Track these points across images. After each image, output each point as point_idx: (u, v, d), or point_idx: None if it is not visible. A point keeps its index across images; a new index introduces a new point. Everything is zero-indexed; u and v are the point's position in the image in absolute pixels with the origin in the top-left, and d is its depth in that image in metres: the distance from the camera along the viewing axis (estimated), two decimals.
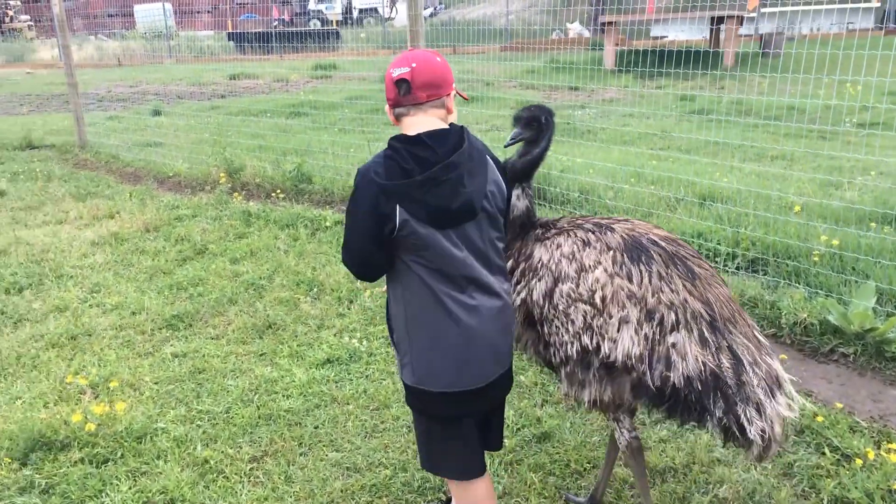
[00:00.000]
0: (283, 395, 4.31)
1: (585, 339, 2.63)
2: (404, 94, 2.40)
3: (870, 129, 8.24)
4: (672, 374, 2.49)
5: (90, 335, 5.19)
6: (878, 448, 3.49)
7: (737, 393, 2.47)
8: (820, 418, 3.66)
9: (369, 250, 2.40)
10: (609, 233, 2.75)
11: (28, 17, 37.22)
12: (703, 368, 2.48)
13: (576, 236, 2.78)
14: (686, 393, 2.49)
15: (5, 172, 10.17)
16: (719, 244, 5.57)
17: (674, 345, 2.52)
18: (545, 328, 2.78)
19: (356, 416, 4.06)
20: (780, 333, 4.63)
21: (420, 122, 2.41)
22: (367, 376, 4.49)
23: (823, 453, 3.48)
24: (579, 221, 2.86)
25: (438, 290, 2.40)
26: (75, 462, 3.70)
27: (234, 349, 4.90)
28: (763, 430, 2.45)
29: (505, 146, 2.76)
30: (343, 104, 13.40)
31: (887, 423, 3.70)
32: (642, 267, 2.61)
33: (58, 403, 4.27)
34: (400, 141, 2.39)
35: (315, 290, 5.74)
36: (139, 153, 10.97)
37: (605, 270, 2.64)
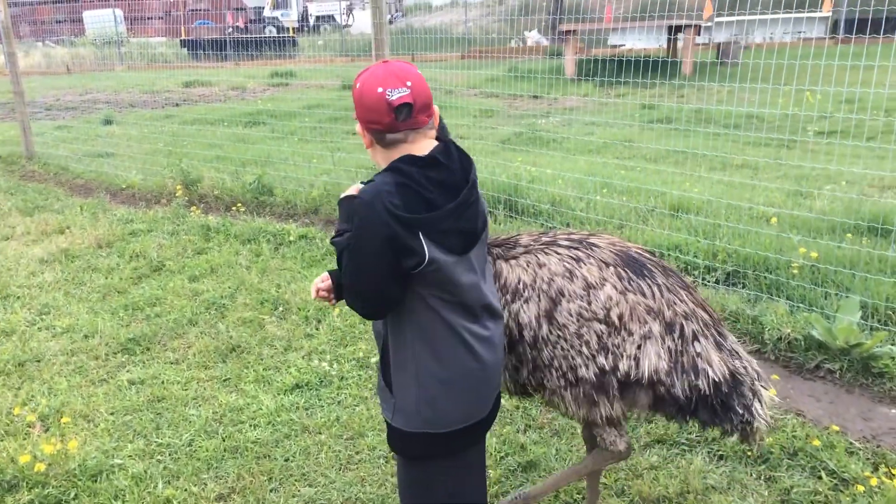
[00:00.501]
0: (250, 425, 4.05)
1: (602, 360, 2.56)
2: (405, 118, 2.11)
3: (828, 139, 8.31)
4: (700, 382, 2.56)
5: (39, 361, 4.86)
6: (876, 470, 3.39)
7: (751, 389, 2.61)
8: (816, 441, 3.55)
9: (386, 288, 2.11)
10: (595, 248, 2.66)
11: None
12: (725, 371, 2.59)
13: (559, 254, 2.63)
14: (714, 398, 2.57)
15: None
16: (696, 257, 5.48)
17: (699, 354, 2.58)
18: (541, 351, 2.61)
19: (329, 447, 3.82)
20: (763, 349, 4.54)
21: (421, 148, 2.16)
22: (339, 402, 4.26)
23: (820, 477, 3.37)
24: (547, 238, 2.73)
25: (457, 325, 2.18)
26: None
27: (196, 374, 4.62)
28: (766, 419, 2.63)
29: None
30: (302, 113, 13.11)
31: (881, 444, 3.61)
32: (648, 281, 2.61)
33: (4, 439, 3.94)
34: (409, 163, 2.09)
35: (280, 308, 5.48)
36: (90, 164, 10.53)
37: (615, 287, 2.57)
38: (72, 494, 3.49)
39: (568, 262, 2.62)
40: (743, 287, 5.17)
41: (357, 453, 3.77)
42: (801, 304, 4.76)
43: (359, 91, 2.15)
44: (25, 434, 3.98)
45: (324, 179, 8.41)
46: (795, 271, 5.02)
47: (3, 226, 7.81)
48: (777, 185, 7.53)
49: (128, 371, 4.70)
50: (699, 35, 14.11)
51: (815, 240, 5.49)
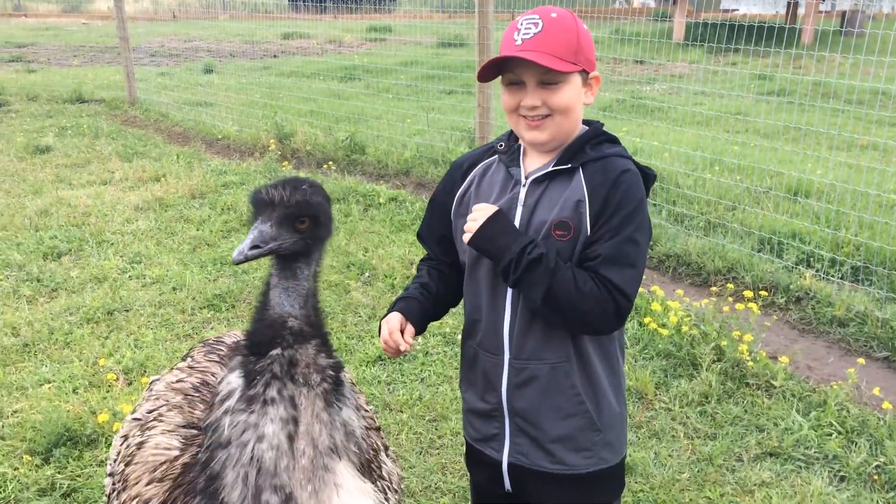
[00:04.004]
0: None
1: None
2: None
3: None
4: None
5: (128, 311, 4.86)
6: None
7: None
8: None
9: None
10: None
11: None
12: None
13: None
14: None
15: (53, 126, 9.94)
16: (819, 248, 4.98)
17: None
18: None
19: (410, 428, 3.64)
20: (894, 358, 4.06)
21: None
22: (422, 380, 4.07)
23: None
24: None
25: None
26: (101, 462, 3.36)
27: None
28: None
29: (235, 262, 1.61)
30: (397, 69, 12.88)
31: None
32: None
33: (88, 390, 3.94)
34: (613, 138, 1.99)
35: (367, 274, 5.32)
36: (189, 112, 10.64)
37: None
38: None
39: None
40: (871, 285, 4.66)
41: (439, 437, 3.57)
42: None
43: (585, 29, 1.91)
44: (108, 387, 3.96)
45: (416, 141, 8.18)
46: None
47: (103, 170, 7.95)
48: None
49: (212, 328, 4.64)
50: (822, 1, 13.07)
51: None
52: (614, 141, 2.00)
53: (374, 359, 4.24)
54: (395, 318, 2.00)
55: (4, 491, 3.19)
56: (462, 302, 2.16)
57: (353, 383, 2.26)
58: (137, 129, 10.09)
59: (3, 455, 3.40)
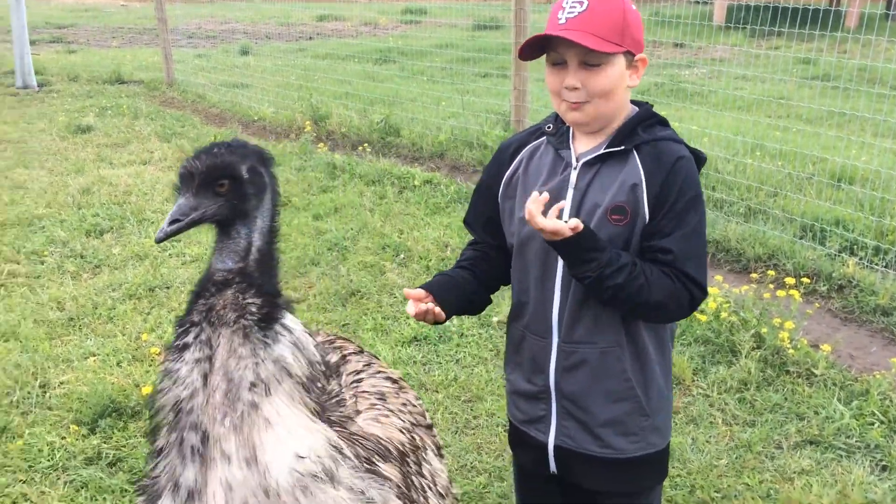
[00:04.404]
0: None
1: None
2: None
3: None
4: None
5: (168, 288, 4.94)
6: None
7: None
8: None
9: None
10: None
11: None
12: None
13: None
14: None
15: (94, 106, 10.10)
16: (863, 235, 4.89)
17: None
18: None
19: (446, 408, 3.66)
20: None
21: None
22: (457, 360, 4.08)
23: None
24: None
25: None
26: (146, 433, 3.43)
27: (316, 317, 4.56)
28: None
29: (157, 239, 1.59)
30: (432, 52, 12.83)
31: None
32: None
33: (131, 363, 4.03)
34: (663, 120, 1.97)
35: (402, 255, 5.34)
36: (225, 94, 10.73)
37: None
38: None
39: None
40: None
41: (475, 418, 3.59)
42: None
43: (634, 9, 1.88)
44: (151, 361, 4.04)
45: (451, 123, 8.16)
46: None
47: (142, 150, 8.06)
48: None
49: None
50: None
51: None
52: (665, 123, 1.97)
53: (409, 339, 4.26)
54: (418, 290, 1.98)
55: (52, 459, 3.28)
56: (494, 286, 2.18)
57: (362, 352, 2.27)
58: (175, 109, 10.21)
59: (51, 425, 3.50)
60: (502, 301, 4.61)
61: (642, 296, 1.81)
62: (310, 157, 7.61)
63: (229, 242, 1.63)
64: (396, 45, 13.60)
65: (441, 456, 2.14)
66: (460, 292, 2.05)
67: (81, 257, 5.38)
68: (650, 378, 1.96)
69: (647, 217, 1.85)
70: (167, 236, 1.55)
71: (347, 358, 2.17)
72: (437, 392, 3.78)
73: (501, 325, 4.41)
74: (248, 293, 1.58)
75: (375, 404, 1.96)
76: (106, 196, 6.58)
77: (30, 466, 3.28)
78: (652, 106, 1.98)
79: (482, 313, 4.42)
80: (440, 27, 15.92)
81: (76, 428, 3.43)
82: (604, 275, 1.78)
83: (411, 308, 1.94)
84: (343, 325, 4.47)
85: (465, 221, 2.23)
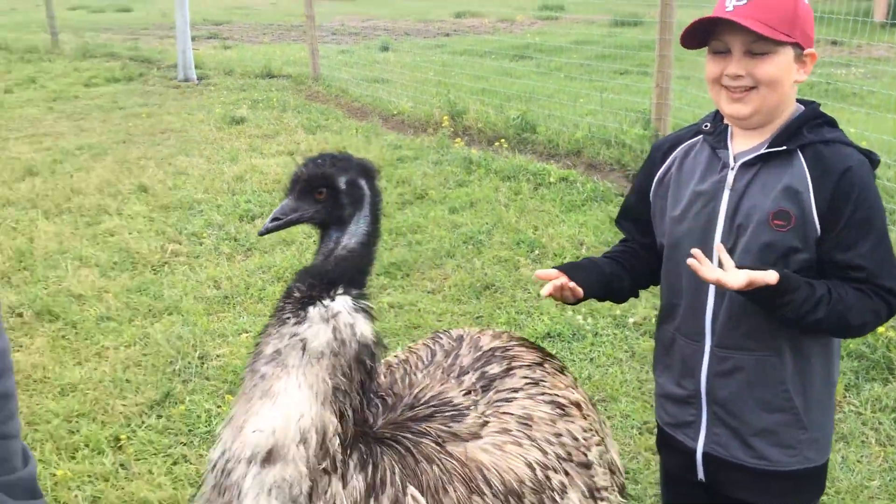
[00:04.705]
0: None
1: None
2: None
3: None
4: None
5: None
6: None
7: None
8: None
9: None
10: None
11: None
12: None
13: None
14: None
15: (247, 99, 10.73)
16: None
17: None
18: None
19: None
20: None
21: None
22: (591, 359, 4.07)
23: None
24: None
25: None
26: None
27: (450, 307, 4.68)
28: None
29: (260, 233, 1.77)
30: (570, 48, 12.74)
31: None
32: None
33: None
34: (832, 121, 1.90)
35: (536, 251, 5.36)
36: (367, 89, 11.11)
37: None
38: None
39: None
40: None
41: (609, 418, 3.57)
42: None
43: (805, 2, 1.83)
44: None
45: (588, 121, 8.08)
46: None
47: (290, 141, 8.50)
48: None
49: (388, 294, 4.88)
50: None
51: None
52: (833, 124, 1.88)
53: (542, 335, 4.29)
54: (550, 270, 1.97)
55: (209, 425, 3.55)
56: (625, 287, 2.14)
57: (541, 364, 2.07)
58: (320, 103, 10.67)
59: (209, 393, 3.79)
60: (638, 302, 4.55)
61: (844, 321, 1.76)
62: (447, 151, 7.76)
63: (324, 243, 1.76)
64: (533, 42, 13.59)
65: (601, 499, 1.91)
66: (598, 274, 2.03)
67: (235, 240, 5.76)
68: (811, 390, 1.89)
69: (819, 229, 1.77)
70: (268, 231, 1.72)
71: (512, 371, 2.01)
72: None
73: (638, 326, 4.35)
74: (304, 282, 1.66)
75: (511, 429, 1.81)
76: (257, 184, 6.99)
77: (189, 430, 3.57)
78: (819, 105, 1.90)
79: (619, 314, 4.39)
80: (577, 23, 15.75)
81: (231, 398, 3.70)
82: (802, 313, 1.74)
83: (546, 289, 1.92)
84: (476, 318, 4.55)
85: (617, 219, 2.22)
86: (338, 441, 1.58)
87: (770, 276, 1.68)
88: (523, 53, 12.66)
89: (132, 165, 7.61)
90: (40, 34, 16.16)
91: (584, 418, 1.99)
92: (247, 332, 4.37)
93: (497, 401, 1.90)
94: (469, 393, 1.90)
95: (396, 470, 1.63)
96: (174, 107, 10.39)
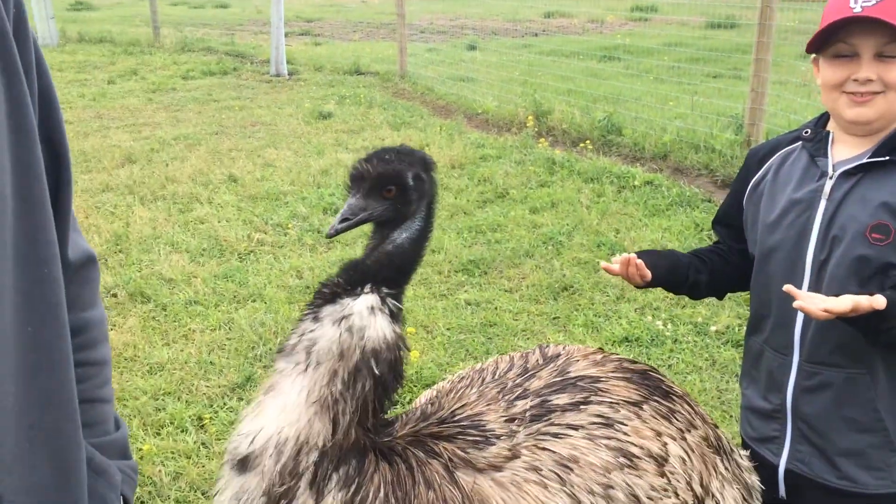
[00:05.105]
0: None
1: None
2: None
3: None
4: None
5: None
6: None
7: None
8: None
9: None
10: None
11: None
12: None
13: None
14: None
15: (335, 95, 10.95)
16: None
17: None
18: None
19: None
20: None
21: None
22: (669, 366, 3.98)
23: None
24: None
25: None
26: None
27: (527, 307, 4.65)
28: None
29: (328, 235, 1.66)
30: (660, 50, 12.45)
31: None
32: None
33: None
34: None
35: (617, 255, 5.25)
36: (452, 87, 11.17)
37: None
38: (407, 399, 3.73)
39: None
40: None
41: None
42: None
43: None
44: None
45: (677, 124, 7.89)
46: None
47: (375, 137, 8.64)
48: None
49: (465, 291, 4.89)
50: None
51: None
52: None
53: (620, 339, 4.22)
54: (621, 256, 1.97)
55: None
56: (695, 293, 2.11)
57: (633, 405, 1.78)
58: (406, 100, 10.80)
59: None
60: (721, 310, 4.42)
61: None
62: (530, 151, 7.73)
63: (376, 242, 1.67)
64: (623, 43, 13.36)
65: None
66: (671, 262, 2.00)
67: (318, 232, 5.89)
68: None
69: None
70: (337, 233, 1.63)
71: (585, 406, 1.73)
72: None
73: (720, 334, 4.23)
74: (341, 276, 1.59)
75: (542, 468, 1.57)
76: (341, 178, 7.13)
77: None
78: None
79: (700, 321, 4.28)
80: (670, 25, 15.37)
81: None
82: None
83: (613, 260, 1.95)
84: (553, 319, 4.52)
85: (713, 222, 2.21)
86: (314, 456, 1.47)
87: (878, 301, 1.57)
88: (612, 54, 12.47)
89: (223, 156, 7.89)
90: (143, 28, 16.94)
91: (662, 476, 1.68)
92: None
93: (543, 434, 1.65)
94: (512, 420, 1.68)
95: (383, 493, 1.50)
96: (265, 101, 10.71)
